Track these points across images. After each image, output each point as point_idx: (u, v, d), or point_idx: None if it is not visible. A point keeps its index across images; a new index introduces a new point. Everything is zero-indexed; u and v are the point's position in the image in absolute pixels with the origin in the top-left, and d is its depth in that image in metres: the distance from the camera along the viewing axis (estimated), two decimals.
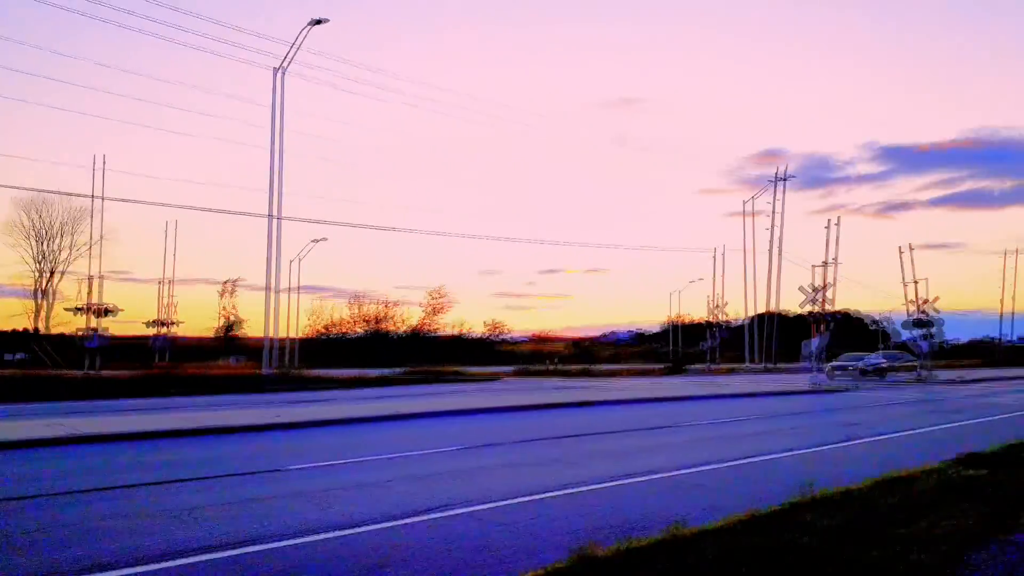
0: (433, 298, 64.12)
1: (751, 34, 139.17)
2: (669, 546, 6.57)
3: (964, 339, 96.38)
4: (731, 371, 52.19)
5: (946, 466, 11.09)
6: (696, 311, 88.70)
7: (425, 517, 8.33)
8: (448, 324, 68.75)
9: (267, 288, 41.22)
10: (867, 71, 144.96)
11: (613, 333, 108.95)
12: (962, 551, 6.79)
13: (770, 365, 60.07)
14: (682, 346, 71.25)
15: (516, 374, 42.25)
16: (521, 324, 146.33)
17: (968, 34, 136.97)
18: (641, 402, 25.52)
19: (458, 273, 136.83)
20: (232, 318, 67.92)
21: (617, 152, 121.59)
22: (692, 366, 55.39)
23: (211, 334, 68.79)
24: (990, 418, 20.77)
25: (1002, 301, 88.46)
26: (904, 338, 49.22)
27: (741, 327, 67.86)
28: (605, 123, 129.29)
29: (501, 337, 71.56)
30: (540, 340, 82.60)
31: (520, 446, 14.41)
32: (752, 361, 62.34)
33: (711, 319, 66.22)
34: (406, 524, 8.01)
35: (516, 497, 9.39)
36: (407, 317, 65.80)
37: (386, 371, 38.85)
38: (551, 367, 46.26)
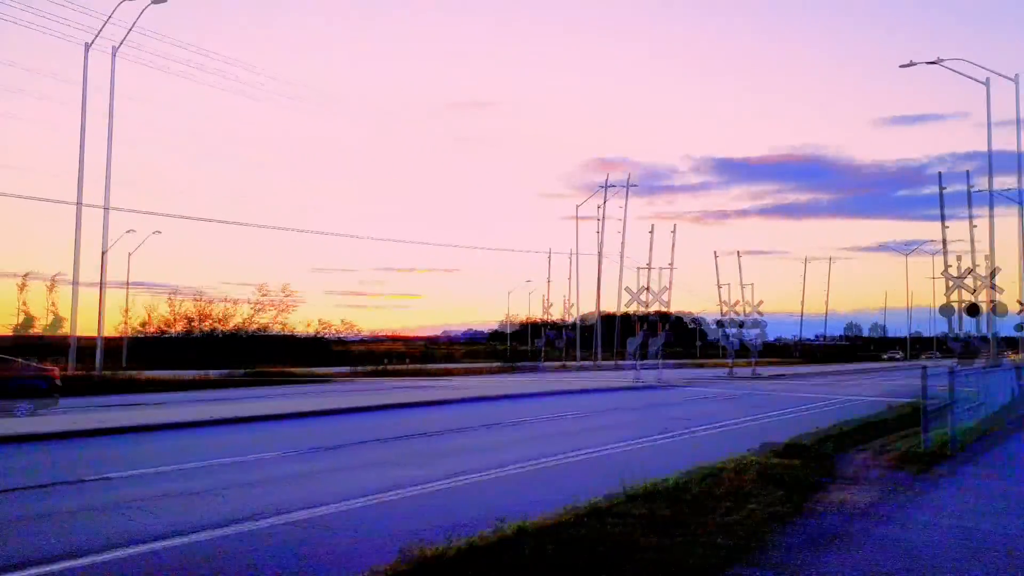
0: (263, 294, 61.21)
1: (600, 47, 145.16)
2: (493, 543, 6.68)
3: (789, 338, 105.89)
4: (563, 368, 54.02)
5: (753, 455, 12.08)
6: (534, 311, 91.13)
7: (248, 525, 7.96)
8: (284, 323, 66.21)
9: (74, 282, 37.77)
10: (702, 87, 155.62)
11: (447, 333, 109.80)
12: (762, 532, 7.42)
13: (600, 363, 62.80)
14: (524, 345, 73.00)
15: (351, 375, 41.37)
16: (369, 324, 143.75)
17: (794, 56, 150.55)
18: (475, 400, 25.81)
19: (299, 270, 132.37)
20: (51, 315, 61.52)
21: (465, 153, 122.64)
22: (525, 364, 56.77)
23: (10, 332, 62.00)
24: (796, 410, 22.89)
25: (803, 303, 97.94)
26: (717, 338, 53.18)
27: (573, 326, 70.49)
28: (454, 124, 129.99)
29: (338, 336, 69.77)
30: (377, 340, 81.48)
31: (353, 448, 14.13)
32: (584, 359, 64.88)
33: (544, 318, 68.36)
34: (225, 535, 7.61)
35: (346, 500, 9.20)
36: (244, 316, 62.47)
37: (216, 372, 36.69)
38: (387, 367, 45.75)
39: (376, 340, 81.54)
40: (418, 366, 49.29)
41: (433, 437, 15.71)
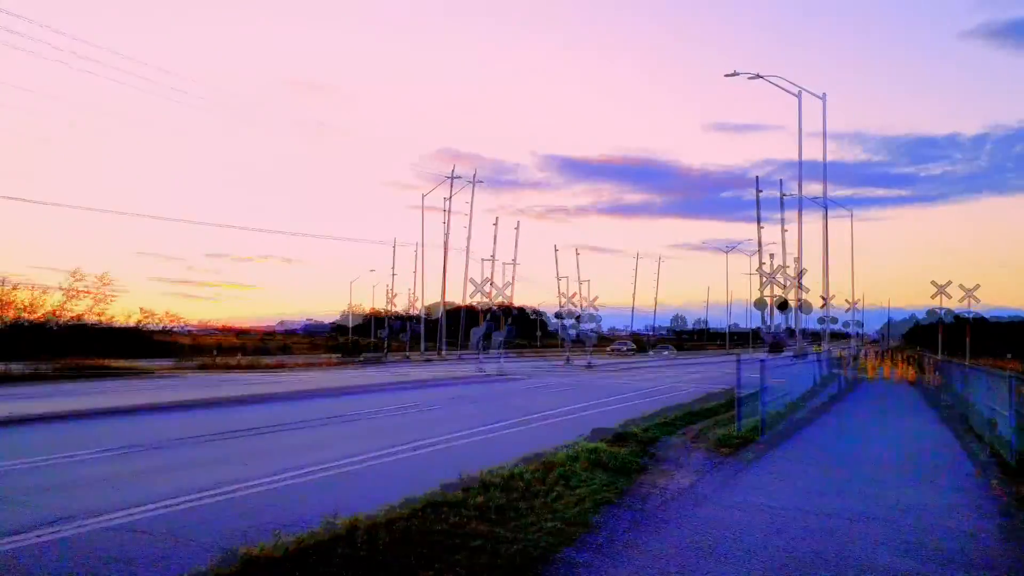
0: (76, 280, 56.09)
1: (453, 41, 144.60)
2: (325, 540, 6.53)
3: (622, 330, 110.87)
4: (407, 360, 53.70)
5: (585, 442, 12.57)
6: (378, 302, 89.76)
7: (54, 531, 7.28)
8: (102, 313, 60.92)
9: None
10: (549, 88, 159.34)
11: (284, 325, 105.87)
12: (590, 516, 7.74)
13: (445, 355, 62.97)
14: (368, 337, 71.67)
15: (176, 368, 38.91)
16: (200, 315, 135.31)
17: (634, 63, 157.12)
18: (312, 395, 25.08)
19: (121, 256, 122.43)
20: None
21: (309, 137, 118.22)
22: (368, 356, 55.91)
23: None
24: (627, 397, 24.03)
25: (634, 296, 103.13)
26: (557, 329, 54.90)
27: (418, 318, 70.23)
28: (298, 106, 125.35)
29: (163, 327, 65.27)
30: (208, 332, 77.10)
31: (178, 447, 13.29)
32: (428, 351, 64.82)
33: (388, 310, 67.59)
34: (26, 543, 6.92)
35: (168, 501, 8.64)
36: (55, 304, 56.81)
37: (20, 366, 33.17)
38: (216, 361, 43.41)
39: (207, 332, 77.11)
40: (252, 359, 47.14)
41: (266, 434, 15.10)
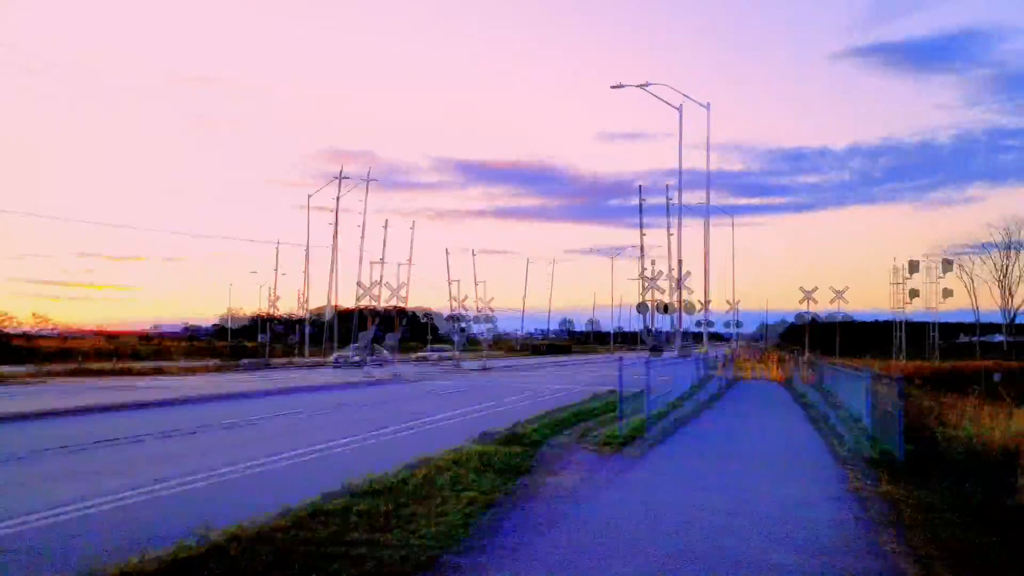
0: None
1: (345, 37, 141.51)
2: (200, 554, 6.23)
3: (515, 333, 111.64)
4: (292, 365, 52.13)
5: (474, 444, 12.58)
6: (262, 305, 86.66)
7: None
8: None
9: None
10: (444, 88, 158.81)
11: (158, 328, 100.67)
12: (477, 520, 7.74)
13: (331, 358, 61.50)
14: (251, 341, 68.96)
15: (38, 375, 36.19)
16: (69, 317, 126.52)
17: (530, 67, 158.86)
18: (190, 401, 23.93)
19: None
20: None
21: (191, 132, 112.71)
22: (251, 361, 53.93)
23: None
24: (517, 399, 24.22)
25: (524, 300, 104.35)
26: (450, 332, 54.79)
27: (304, 320, 68.30)
28: (180, 99, 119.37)
29: (24, 332, 60.71)
30: (77, 336, 72.28)
31: (35, 458, 12.35)
32: (316, 355, 63.15)
33: (271, 313, 65.44)
34: None
35: (26, 518, 8.00)
36: None
37: None
38: (84, 366, 40.70)
39: (77, 336, 72.36)
40: (126, 364, 44.49)
41: (139, 443, 14.27)
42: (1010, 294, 78.62)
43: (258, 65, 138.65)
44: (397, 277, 47.31)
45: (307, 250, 63.61)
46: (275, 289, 66.12)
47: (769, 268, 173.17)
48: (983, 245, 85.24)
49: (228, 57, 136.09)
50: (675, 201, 53.61)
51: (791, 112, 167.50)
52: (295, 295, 65.90)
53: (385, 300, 43.71)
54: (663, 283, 54.65)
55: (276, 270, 66.23)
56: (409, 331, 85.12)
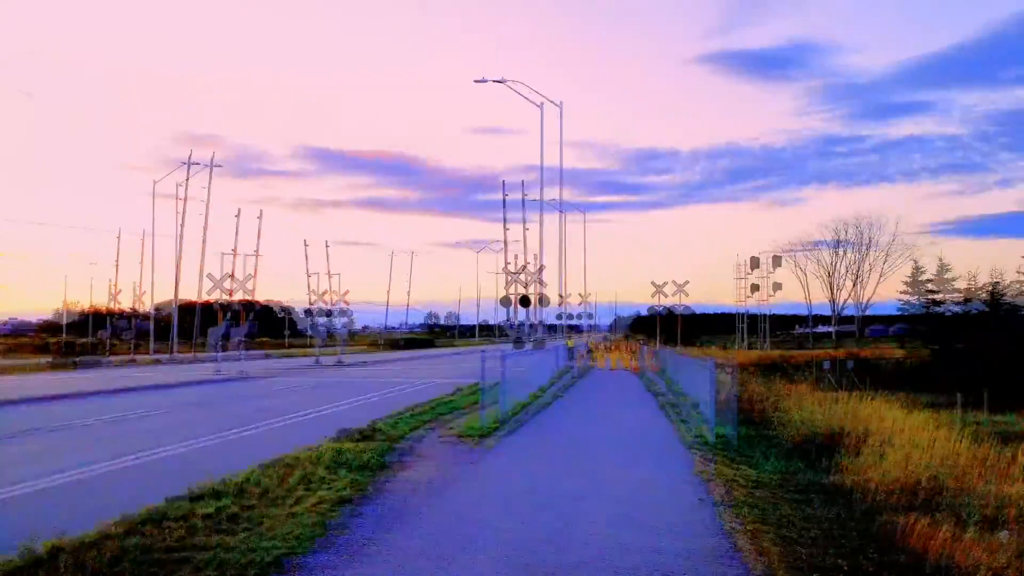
0: None
1: (209, 22, 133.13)
2: (18, 568, 5.71)
3: (375, 327, 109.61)
4: (133, 363, 48.84)
5: (330, 442, 12.27)
6: (100, 298, 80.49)
7: None
8: None
9: None
10: (302, 73, 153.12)
11: None
12: (331, 518, 7.56)
13: (177, 355, 58.14)
14: (87, 337, 63.83)
15: None
16: None
17: (395, 56, 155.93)
18: (11, 404, 21.87)
19: None
20: None
21: (24, 113, 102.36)
22: (87, 359, 50.06)
23: None
24: (377, 394, 23.84)
25: (388, 294, 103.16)
26: (312, 328, 53.18)
27: (147, 315, 64.12)
28: (15, 77, 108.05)
29: None
30: None
31: None
32: (159, 352, 59.47)
33: (111, 307, 60.96)
34: None
35: None
36: None
37: None
38: None
39: None
40: None
41: None
42: (837, 289, 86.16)
43: (106, 43, 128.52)
44: (244, 269, 45.18)
45: (143, 239, 59.73)
46: (116, 282, 61.61)
47: (624, 263, 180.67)
48: (815, 243, 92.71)
49: (72, 35, 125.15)
50: (531, 197, 54.73)
51: (647, 113, 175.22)
52: (135, 288, 61.49)
53: (235, 294, 41.77)
54: (524, 277, 55.64)
55: (117, 261, 61.72)
56: (262, 326, 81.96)
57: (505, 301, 54.67)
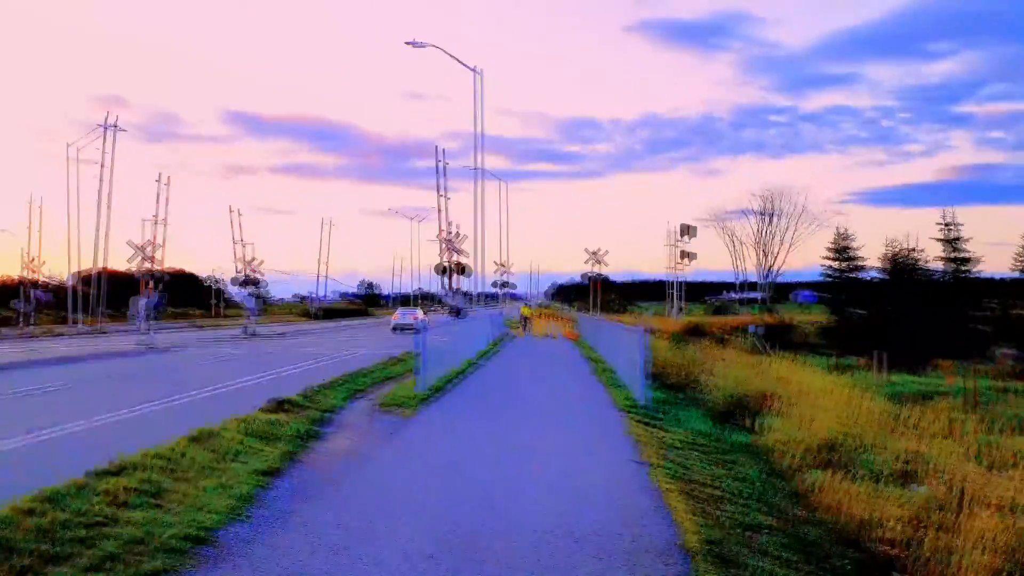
0: None
1: None
2: None
3: (306, 295, 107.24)
4: (49, 335, 46.82)
5: (259, 412, 12.01)
6: (11, 268, 76.60)
7: None
8: None
9: None
10: (221, 33, 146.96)
11: None
12: (253, 489, 7.43)
13: (101, 326, 55.95)
14: (16, 306, 60.55)
15: None
16: None
17: (315, 17, 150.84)
18: None
19: None
20: None
21: None
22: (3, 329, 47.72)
23: None
24: (308, 364, 23.46)
25: (319, 262, 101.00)
26: (236, 296, 51.88)
27: (66, 285, 61.34)
28: None
29: None
30: None
31: None
32: (80, 322, 57.09)
33: (25, 277, 58.04)
34: None
35: None
36: None
37: None
38: None
39: None
40: None
41: None
42: (762, 256, 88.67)
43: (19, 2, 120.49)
44: (155, 233, 43.25)
45: (70, 206, 56.85)
46: (29, 251, 58.58)
47: (558, 231, 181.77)
48: (741, 212, 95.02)
49: None
50: (462, 165, 54.36)
51: (579, 82, 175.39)
52: (58, 258, 58.63)
53: (158, 262, 40.25)
54: (458, 245, 55.43)
55: (30, 228, 58.60)
56: (187, 296, 79.58)
57: (440, 269, 54.44)
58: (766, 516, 6.54)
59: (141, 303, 37.90)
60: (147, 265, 39.50)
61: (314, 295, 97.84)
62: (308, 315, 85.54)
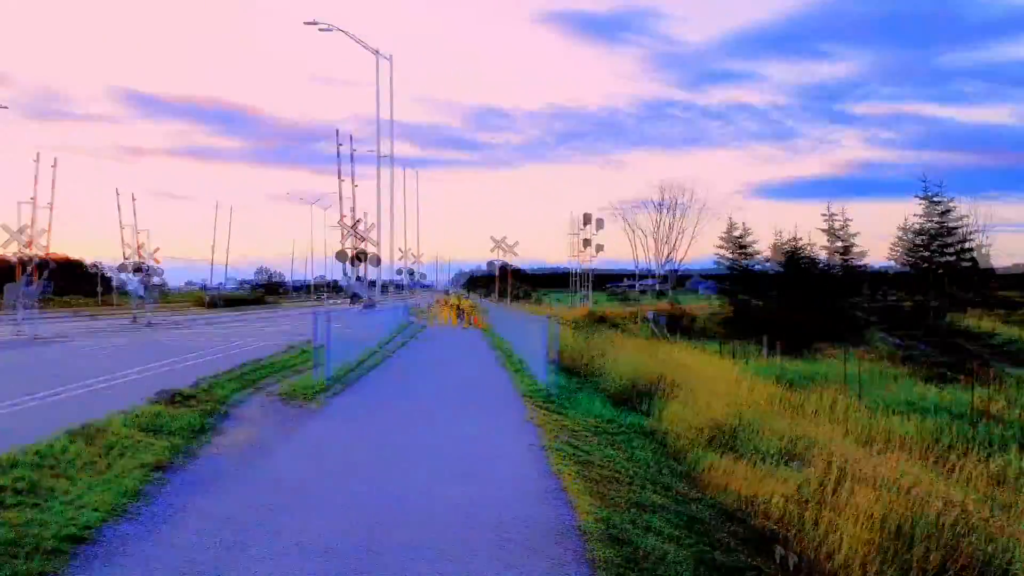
0: None
1: None
2: None
3: (200, 284, 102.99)
4: None
5: (149, 405, 11.49)
6: None
7: None
8: None
9: None
10: (112, 8, 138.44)
11: None
12: (143, 484, 7.12)
13: None
14: None
15: None
16: None
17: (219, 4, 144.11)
18: None
19: None
20: None
21: None
22: None
23: None
24: (203, 355, 22.56)
25: (214, 249, 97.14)
26: (128, 285, 49.27)
27: None
28: None
29: None
30: None
31: None
32: None
33: None
34: None
35: None
36: None
37: None
38: None
39: None
40: None
41: None
42: (661, 246, 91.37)
43: None
44: (35, 219, 40.51)
45: None
46: None
47: (465, 220, 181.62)
48: (642, 203, 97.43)
49: None
50: (367, 151, 53.57)
51: (497, 72, 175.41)
52: None
53: (36, 247, 37.68)
54: (361, 232, 54.54)
55: None
56: (72, 283, 75.16)
57: (341, 257, 53.39)
58: (658, 496, 6.78)
59: (20, 291, 35.45)
60: (27, 251, 36.92)
61: (215, 284, 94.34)
62: (208, 304, 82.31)
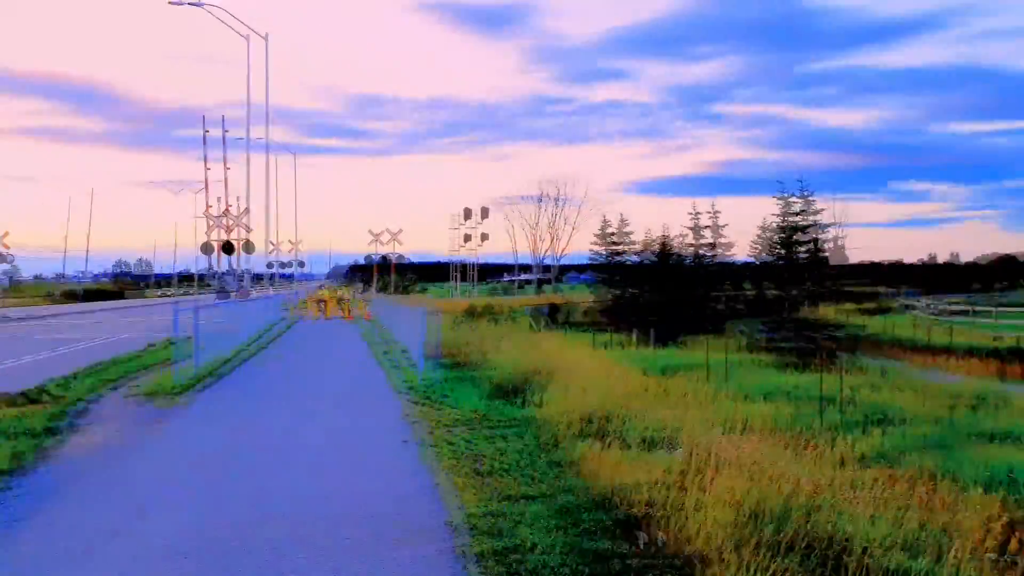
0: None
1: None
2: None
3: (49, 276, 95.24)
4: None
5: None
6: None
7: None
8: None
9: None
10: None
11: None
12: None
13: None
14: None
15: None
16: None
17: None
18: None
19: None
20: None
21: None
22: None
23: None
24: (54, 353, 20.90)
25: (66, 238, 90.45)
26: None
27: None
28: None
29: None
30: None
31: None
32: None
33: None
34: None
35: None
36: None
37: None
38: None
39: None
40: None
41: None
42: (540, 240, 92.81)
43: None
44: None
45: None
46: None
47: (341, 210, 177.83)
48: (522, 197, 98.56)
49: None
50: (238, 135, 51.43)
51: (370, 58, 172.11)
52: None
53: None
54: (228, 221, 52.24)
55: None
56: None
57: (207, 248, 50.98)
58: (529, 487, 6.87)
59: None
60: None
61: (72, 275, 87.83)
62: (52, 297, 76.52)
